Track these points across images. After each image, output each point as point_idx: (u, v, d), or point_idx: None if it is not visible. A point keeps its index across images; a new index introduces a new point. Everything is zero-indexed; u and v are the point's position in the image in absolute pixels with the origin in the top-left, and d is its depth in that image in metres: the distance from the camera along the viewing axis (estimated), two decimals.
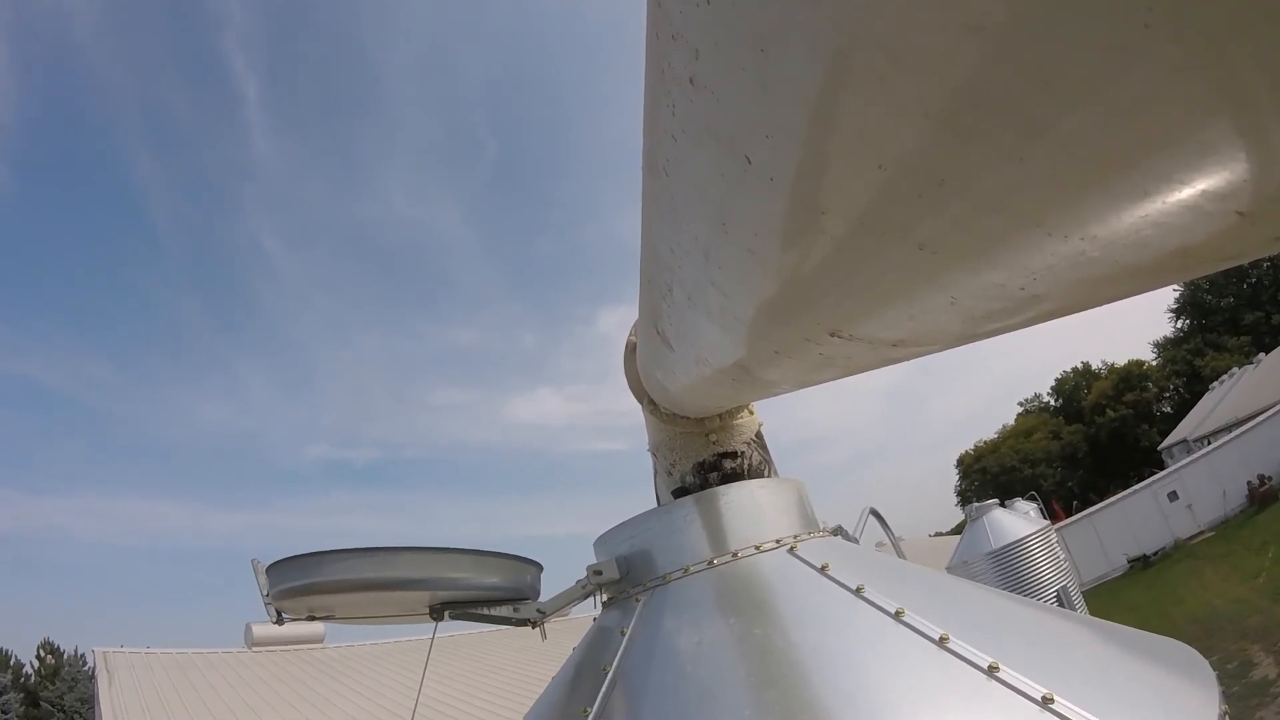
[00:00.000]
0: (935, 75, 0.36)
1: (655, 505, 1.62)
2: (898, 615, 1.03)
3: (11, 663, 33.85)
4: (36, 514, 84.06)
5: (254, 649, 12.87)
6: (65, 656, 34.44)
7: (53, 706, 31.37)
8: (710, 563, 1.27)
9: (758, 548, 1.28)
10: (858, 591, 1.10)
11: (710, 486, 1.48)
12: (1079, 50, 0.32)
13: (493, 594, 1.41)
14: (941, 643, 0.97)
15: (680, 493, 1.51)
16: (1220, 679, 1.09)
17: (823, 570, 1.18)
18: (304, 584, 1.31)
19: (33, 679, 33.58)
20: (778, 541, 1.29)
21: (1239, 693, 9.95)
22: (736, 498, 1.33)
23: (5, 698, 28.68)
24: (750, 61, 0.43)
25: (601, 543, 1.44)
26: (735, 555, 1.27)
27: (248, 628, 12.70)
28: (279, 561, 1.35)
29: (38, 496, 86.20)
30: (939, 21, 0.34)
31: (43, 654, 34.71)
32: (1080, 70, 0.33)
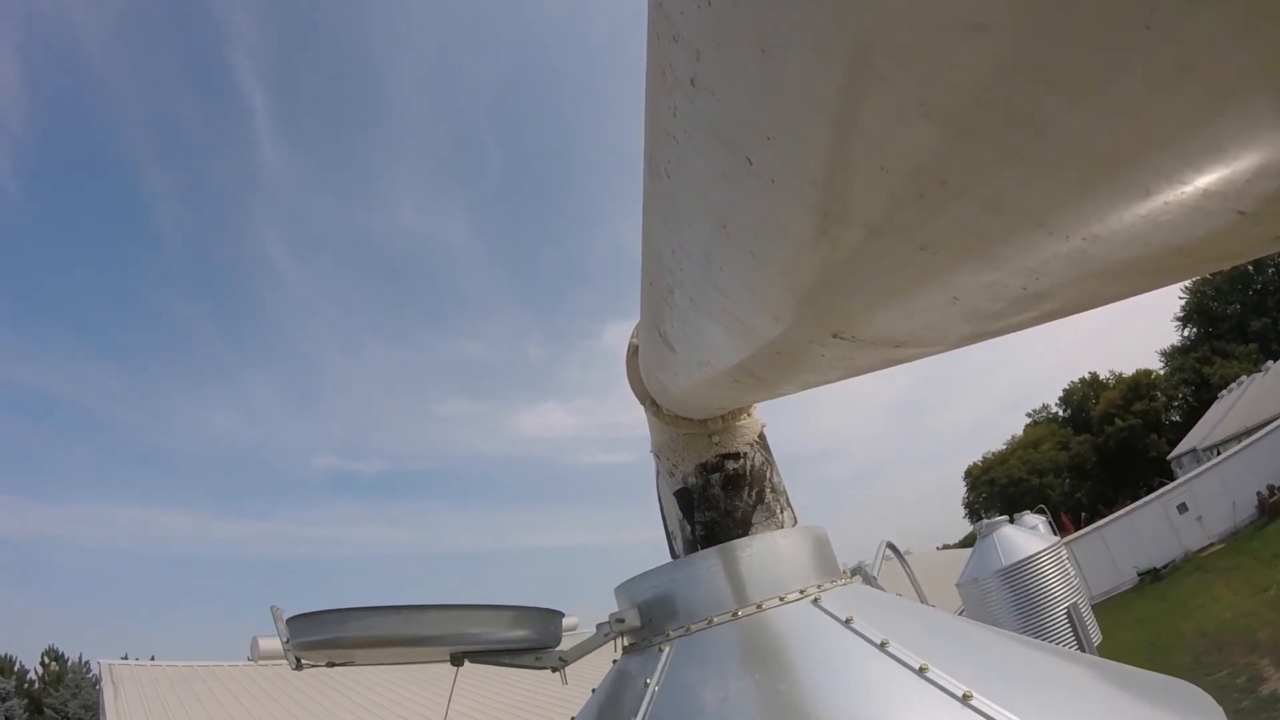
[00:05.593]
0: (937, 75, 0.37)
1: (658, 506, 1.62)
2: (921, 671, 1.04)
3: (16, 669, 33.89)
4: (42, 521, 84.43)
5: (260, 663, 12.85)
6: (69, 664, 34.48)
7: (56, 713, 31.37)
8: (734, 614, 1.27)
9: (781, 599, 1.28)
10: (882, 646, 1.11)
11: (713, 488, 1.49)
12: (1081, 50, 0.32)
13: (516, 645, 1.43)
14: (965, 700, 0.98)
15: (683, 494, 1.51)
16: (1229, 693, 1.10)
17: (847, 623, 1.18)
18: (326, 639, 1.34)
19: (37, 685, 33.62)
20: (801, 592, 1.29)
21: (1248, 708, 9.82)
22: (760, 549, 1.34)
23: (9, 704, 28.71)
24: (751, 63, 0.43)
25: (623, 591, 1.44)
26: (759, 606, 1.27)
27: (254, 641, 12.69)
28: (301, 615, 1.37)
29: (43, 504, 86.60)
30: (941, 21, 0.34)
31: (47, 661, 34.78)
32: (1082, 70, 0.33)
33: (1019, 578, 7.29)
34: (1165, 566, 21.14)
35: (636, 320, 1.52)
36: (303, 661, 1.41)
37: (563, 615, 1.53)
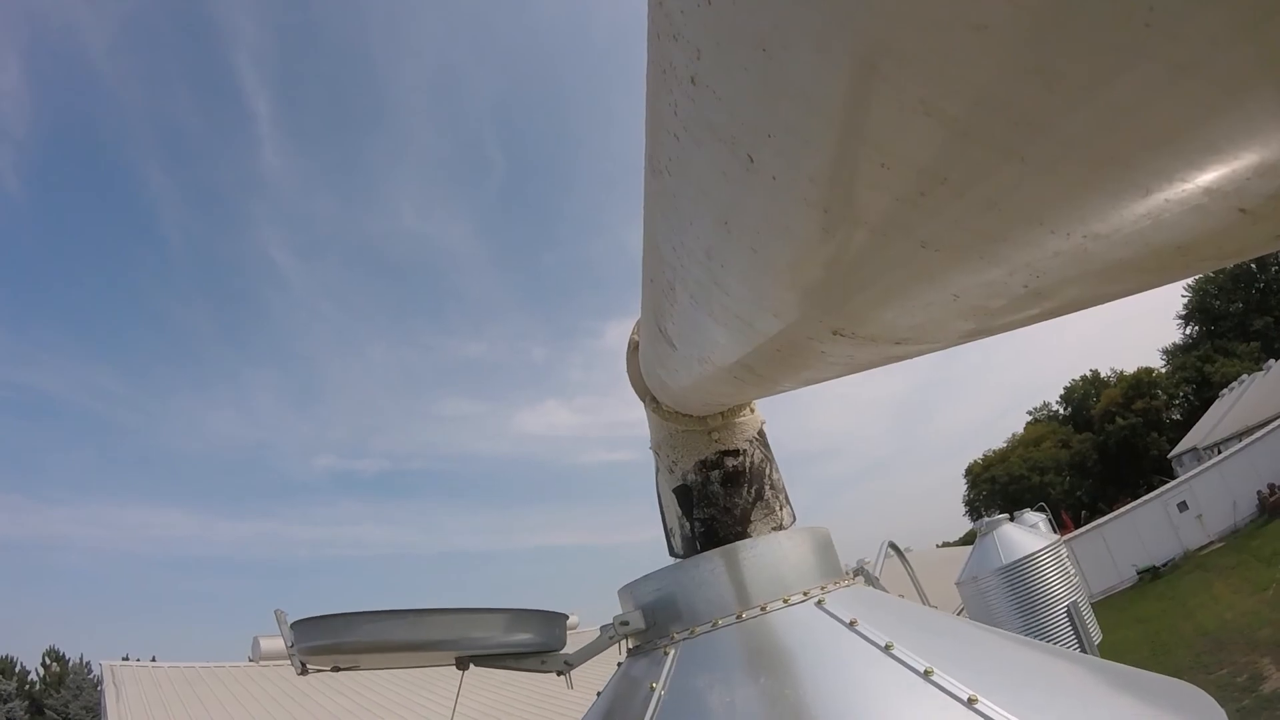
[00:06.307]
0: (938, 74, 0.37)
1: (657, 503, 1.62)
2: (927, 675, 1.04)
3: (17, 670, 33.90)
4: (43, 522, 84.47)
5: (261, 663, 12.81)
6: (70, 665, 34.46)
7: (57, 714, 31.37)
8: (738, 616, 1.27)
9: (785, 601, 1.28)
10: (886, 649, 1.10)
11: (712, 484, 1.49)
12: (1081, 49, 0.32)
13: (521, 648, 1.43)
14: (970, 704, 0.97)
15: (682, 491, 1.51)
16: (1230, 692, 1.10)
17: (851, 626, 1.18)
18: (331, 643, 1.33)
19: (38, 687, 33.61)
20: (805, 593, 1.29)
21: (1249, 706, 9.82)
22: (763, 550, 1.34)
23: (10, 705, 28.73)
24: (752, 61, 0.43)
25: (627, 592, 1.44)
26: (763, 609, 1.27)
27: (255, 641, 12.65)
28: (305, 620, 1.36)
29: (45, 505, 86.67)
30: (942, 20, 0.34)
31: (48, 661, 34.76)
32: (1082, 69, 0.33)
33: (1019, 576, 7.28)
34: (1165, 565, 21.14)
35: (637, 317, 1.52)
36: (308, 666, 1.40)
37: (567, 618, 1.52)
